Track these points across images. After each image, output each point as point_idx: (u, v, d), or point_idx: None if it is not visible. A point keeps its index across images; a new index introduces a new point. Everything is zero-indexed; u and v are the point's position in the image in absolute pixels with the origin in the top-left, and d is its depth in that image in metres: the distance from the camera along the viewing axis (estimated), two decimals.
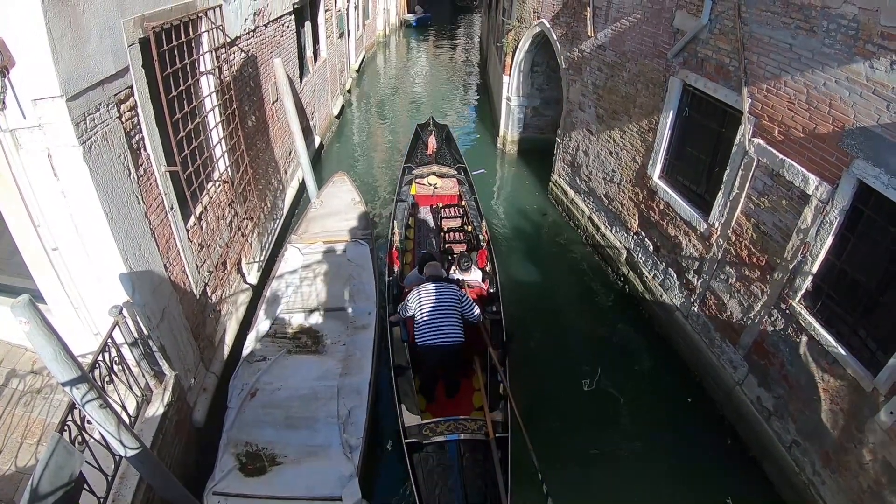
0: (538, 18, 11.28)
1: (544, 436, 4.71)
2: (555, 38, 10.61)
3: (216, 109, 6.18)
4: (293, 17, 10.08)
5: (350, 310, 6.80)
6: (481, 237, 8.22)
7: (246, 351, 6.16)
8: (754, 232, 5.83)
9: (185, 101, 5.26)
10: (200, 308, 5.92)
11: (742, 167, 5.85)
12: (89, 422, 3.58)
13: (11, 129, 3.59)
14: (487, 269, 7.46)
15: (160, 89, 4.81)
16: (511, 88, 13.32)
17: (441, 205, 9.66)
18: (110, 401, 3.59)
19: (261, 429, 5.29)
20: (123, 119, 4.32)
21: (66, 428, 3.42)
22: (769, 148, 5.44)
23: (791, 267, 5.31)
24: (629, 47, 8.00)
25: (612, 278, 9.24)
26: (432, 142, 11.13)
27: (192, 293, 5.68)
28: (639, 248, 8.37)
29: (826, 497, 5.04)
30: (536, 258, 9.89)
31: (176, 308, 5.24)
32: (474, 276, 6.83)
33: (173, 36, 5.00)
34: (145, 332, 4.55)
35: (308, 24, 11.99)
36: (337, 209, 8.84)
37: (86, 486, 3.45)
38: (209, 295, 6.18)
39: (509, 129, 13.99)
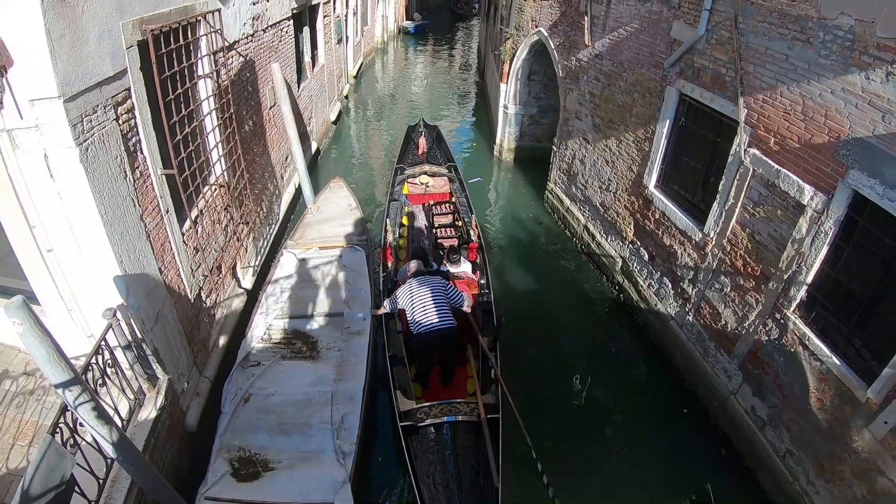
0: (536, 27, 11.35)
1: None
2: (552, 46, 10.66)
3: (213, 113, 6.18)
4: (292, 22, 10.10)
5: (345, 315, 6.78)
6: (472, 232, 8.53)
7: (240, 356, 6.13)
8: (749, 242, 5.85)
9: (182, 105, 5.25)
10: (195, 312, 5.90)
11: (738, 177, 5.88)
12: (81, 424, 3.55)
13: (8, 129, 3.58)
14: (478, 261, 7.89)
15: (158, 92, 4.80)
16: (508, 96, 13.37)
17: (432, 202, 10.02)
18: (103, 404, 3.57)
19: (254, 434, 5.26)
20: (120, 121, 4.31)
21: (58, 430, 3.38)
22: (765, 158, 5.47)
23: (786, 277, 5.33)
24: (626, 57, 8.05)
25: (607, 287, 9.25)
26: (423, 142, 11.54)
27: (186, 297, 5.66)
28: (634, 258, 8.38)
29: None
30: (531, 267, 9.90)
31: (170, 311, 5.21)
32: (464, 268, 7.29)
33: (172, 39, 5.00)
34: (139, 335, 4.52)
35: (307, 30, 12.02)
36: (333, 215, 8.84)
37: (77, 488, 3.43)
38: (204, 299, 6.16)
39: (506, 137, 14.03)
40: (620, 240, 8.74)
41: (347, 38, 18.17)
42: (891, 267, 4.41)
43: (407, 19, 35.09)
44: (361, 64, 22.07)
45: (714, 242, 6.39)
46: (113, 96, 4.17)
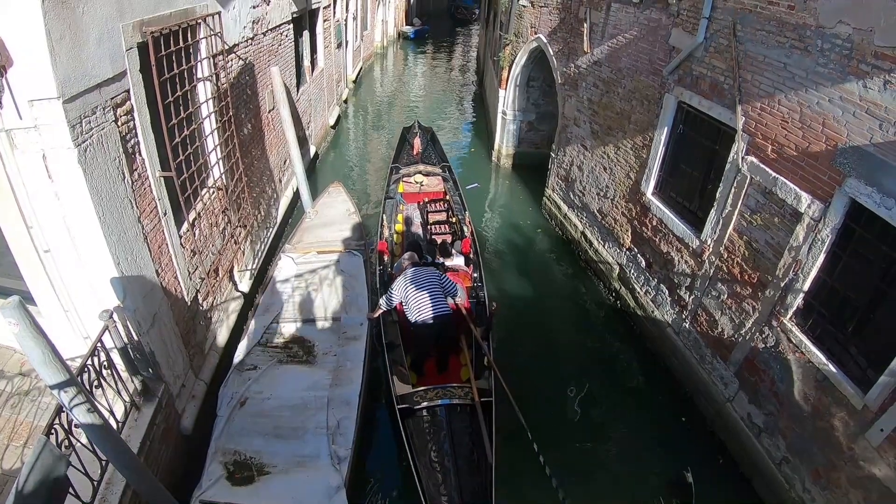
0: (535, 34, 11.39)
1: (528, 450, 4.79)
2: (551, 53, 10.70)
3: (212, 116, 6.18)
4: (292, 26, 10.12)
5: (342, 320, 6.78)
6: (465, 228, 8.89)
7: (237, 359, 6.12)
8: (746, 249, 5.86)
9: (181, 107, 5.25)
10: (191, 315, 5.88)
11: (735, 184, 5.90)
12: (76, 426, 3.54)
13: (7, 129, 3.57)
14: (471, 255, 8.19)
15: (157, 94, 4.80)
16: (507, 102, 13.41)
17: (427, 199, 10.39)
18: (98, 405, 3.55)
19: (250, 438, 5.25)
20: (119, 123, 4.30)
21: (53, 431, 3.38)
22: (762, 166, 5.49)
23: (782, 284, 5.34)
24: (625, 64, 8.08)
25: (603, 294, 9.26)
26: (417, 143, 11.87)
27: (183, 299, 5.65)
28: (631, 264, 8.40)
29: None
30: (528, 273, 9.90)
31: (167, 314, 5.20)
32: (457, 261, 7.65)
33: (171, 41, 5.01)
34: (135, 337, 4.51)
35: (306, 34, 12.04)
36: (332, 219, 8.84)
37: (71, 490, 3.42)
38: (200, 302, 6.14)
39: (504, 143, 14.06)
40: (618, 246, 8.76)
41: (347, 42, 18.22)
42: (887, 275, 4.43)
43: (407, 24, 35.19)
44: (360, 69, 22.12)
45: (711, 250, 6.40)
46: (112, 98, 4.16)
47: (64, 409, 3.35)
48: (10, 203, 3.88)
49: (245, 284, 7.60)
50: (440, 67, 27.91)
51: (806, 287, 5.10)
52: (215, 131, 6.27)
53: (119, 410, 4.37)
